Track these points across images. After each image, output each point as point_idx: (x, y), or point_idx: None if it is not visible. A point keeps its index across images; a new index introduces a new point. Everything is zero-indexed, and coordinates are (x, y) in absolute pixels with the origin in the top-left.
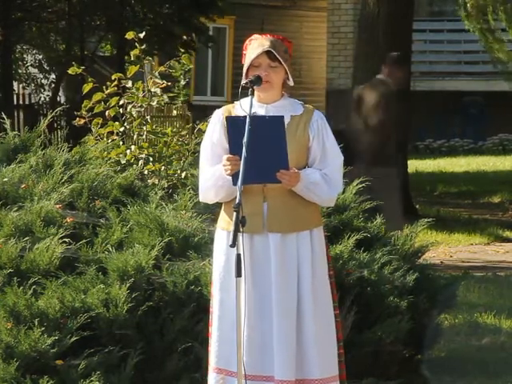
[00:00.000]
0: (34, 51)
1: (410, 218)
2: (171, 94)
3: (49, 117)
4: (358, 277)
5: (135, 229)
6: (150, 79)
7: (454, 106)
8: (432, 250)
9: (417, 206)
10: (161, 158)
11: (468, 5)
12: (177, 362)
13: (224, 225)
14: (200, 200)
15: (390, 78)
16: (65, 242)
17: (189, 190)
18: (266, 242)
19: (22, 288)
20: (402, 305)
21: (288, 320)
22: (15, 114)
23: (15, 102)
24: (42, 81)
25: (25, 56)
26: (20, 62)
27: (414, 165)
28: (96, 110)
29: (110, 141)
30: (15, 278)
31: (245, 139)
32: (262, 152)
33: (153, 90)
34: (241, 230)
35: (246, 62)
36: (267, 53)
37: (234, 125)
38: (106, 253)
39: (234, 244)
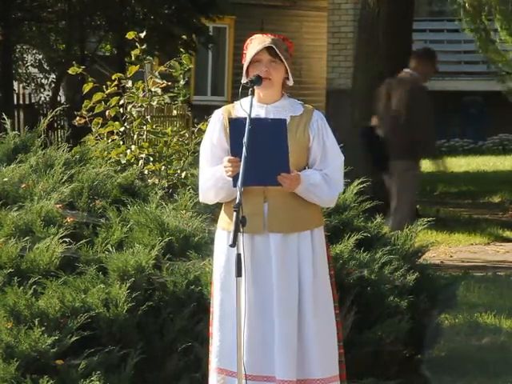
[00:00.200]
0: (34, 51)
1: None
2: (171, 94)
3: (49, 117)
4: (358, 276)
5: (135, 229)
6: (150, 79)
7: (454, 105)
8: (432, 250)
9: (417, 206)
10: (161, 157)
11: (466, 4)
12: (177, 361)
13: (224, 225)
14: (200, 200)
15: (418, 72)
16: (65, 241)
17: (189, 190)
18: (267, 242)
19: (22, 288)
20: (402, 305)
21: (289, 320)
22: (15, 113)
23: (15, 102)
24: (42, 81)
25: (25, 56)
26: (20, 62)
27: None
28: (96, 110)
29: (110, 141)
30: (15, 278)
31: (245, 139)
32: (264, 154)
33: (153, 89)
34: (241, 230)
35: (247, 59)
36: (268, 49)
37: (235, 125)
38: (106, 253)
39: (234, 244)
